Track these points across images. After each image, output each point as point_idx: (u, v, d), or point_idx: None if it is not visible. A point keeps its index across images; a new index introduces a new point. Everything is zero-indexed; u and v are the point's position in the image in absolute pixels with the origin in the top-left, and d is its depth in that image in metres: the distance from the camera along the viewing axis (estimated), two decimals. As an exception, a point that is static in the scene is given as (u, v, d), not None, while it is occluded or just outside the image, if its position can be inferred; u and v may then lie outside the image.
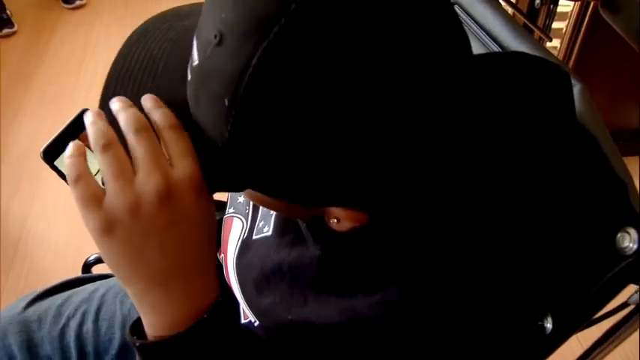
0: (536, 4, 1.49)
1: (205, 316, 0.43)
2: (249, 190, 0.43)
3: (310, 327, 0.48)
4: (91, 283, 0.84)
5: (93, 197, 0.40)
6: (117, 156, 0.41)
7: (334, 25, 0.32)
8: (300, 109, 0.34)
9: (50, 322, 0.77)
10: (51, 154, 0.60)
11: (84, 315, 0.78)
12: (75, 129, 0.62)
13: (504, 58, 0.56)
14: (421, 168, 0.38)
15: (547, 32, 1.62)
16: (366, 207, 0.41)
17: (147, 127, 0.41)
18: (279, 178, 0.38)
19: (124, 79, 0.46)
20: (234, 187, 0.43)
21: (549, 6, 1.55)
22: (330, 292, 0.48)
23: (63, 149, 0.60)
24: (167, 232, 0.41)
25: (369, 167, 0.36)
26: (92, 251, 1.03)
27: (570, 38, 1.49)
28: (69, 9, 2.65)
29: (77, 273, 0.91)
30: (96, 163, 0.62)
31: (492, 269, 0.44)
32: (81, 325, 0.77)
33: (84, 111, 0.63)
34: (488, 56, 0.56)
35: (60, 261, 1.65)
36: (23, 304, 0.80)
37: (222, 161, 0.39)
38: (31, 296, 0.81)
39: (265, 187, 0.40)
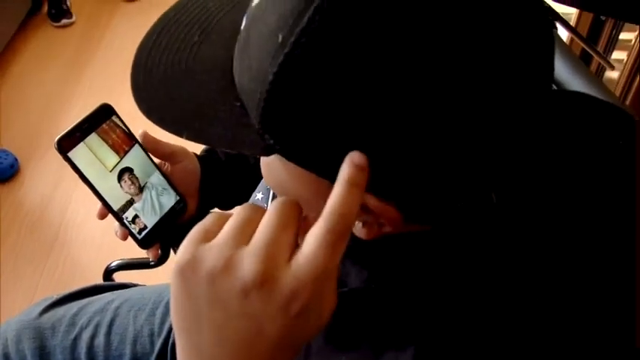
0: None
1: None
2: (271, 163, 0.40)
3: None
4: (109, 293, 0.83)
5: (207, 231, 0.36)
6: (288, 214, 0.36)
7: None
8: (370, 53, 0.31)
9: (63, 332, 0.77)
10: (65, 145, 0.58)
11: (97, 327, 0.77)
12: (93, 122, 0.60)
13: (569, 98, 0.52)
14: (462, 178, 0.36)
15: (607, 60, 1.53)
16: (401, 202, 0.37)
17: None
18: (314, 139, 0.34)
19: (170, 27, 0.45)
20: (262, 149, 0.38)
21: (611, 31, 1.46)
22: (336, 344, 0.45)
23: (78, 142, 0.58)
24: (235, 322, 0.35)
25: (415, 148, 0.33)
26: (126, 248, 1.02)
27: (631, 70, 1.41)
28: (126, 1, 2.71)
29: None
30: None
31: (526, 343, 0.40)
32: (93, 337, 0.77)
33: (103, 105, 0.61)
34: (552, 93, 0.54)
35: (94, 253, 1.68)
36: (39, 309, 0.80)
37: (260, 115, 0.35)
38: (48, 302, 0.82)
39: (296, 151, 0.36)
